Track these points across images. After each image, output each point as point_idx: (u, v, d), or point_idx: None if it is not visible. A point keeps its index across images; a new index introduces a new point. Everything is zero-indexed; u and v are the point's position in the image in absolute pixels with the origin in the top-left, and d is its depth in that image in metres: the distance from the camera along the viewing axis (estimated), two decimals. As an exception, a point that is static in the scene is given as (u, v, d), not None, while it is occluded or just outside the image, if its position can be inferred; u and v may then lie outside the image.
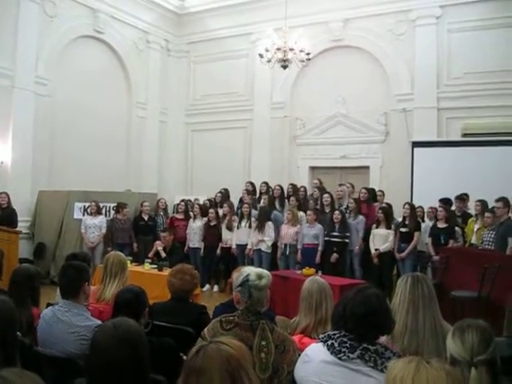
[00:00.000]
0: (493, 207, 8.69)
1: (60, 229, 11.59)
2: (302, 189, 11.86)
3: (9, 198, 10.40)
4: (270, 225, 10.72)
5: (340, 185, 11.75)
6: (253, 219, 10.99)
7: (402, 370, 1.84)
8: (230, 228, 11.35)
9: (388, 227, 10.02)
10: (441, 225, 9.64)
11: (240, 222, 11.21)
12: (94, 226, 11.37)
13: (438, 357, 2.18)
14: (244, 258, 11.06)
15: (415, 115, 12.42)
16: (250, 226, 11.00)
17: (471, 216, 9.98)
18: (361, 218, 10.43)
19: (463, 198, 10.34)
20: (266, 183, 12.23)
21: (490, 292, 7.35)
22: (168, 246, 10.01)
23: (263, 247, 10.73)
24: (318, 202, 11.08)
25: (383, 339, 2.90)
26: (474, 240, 9.38)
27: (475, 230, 9.38)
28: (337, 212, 10.25)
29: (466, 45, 11.93)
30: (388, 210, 10.20)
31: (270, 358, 2.94)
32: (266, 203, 11.33)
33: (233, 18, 14.55)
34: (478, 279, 7.48)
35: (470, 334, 2.32)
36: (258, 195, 12.20)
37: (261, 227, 10.68)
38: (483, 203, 9.33)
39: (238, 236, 11.21)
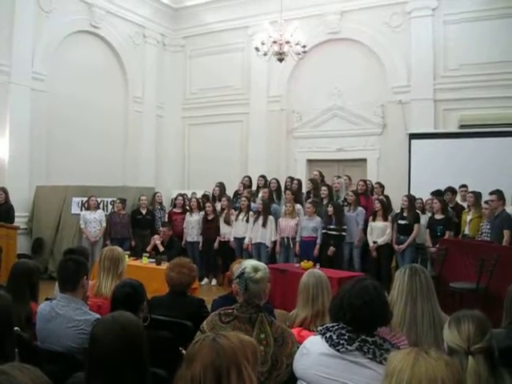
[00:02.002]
0: (487, 200, 8.72)
1: (58, 224, 11.60)
2: (296, 181, 11.74)
3: (6, 194, 10.35)
4: (271, 219, 10.68)
5: (337, 177, 11.72)
6: (251, 213, 10.97)
7: (401, 362, 1.84)
8: (228, 222, 11.31)
9: (385, 219, 10.01)
10: (438, 216, 9.65)
11: (238, 216, 11.18)
12: (95, 221, 11.35)
13: (436, 348, 2.19)
14: (242, 251, 11.02)
15: (412, 107, 12.42)
16: (247, 220, 10.99)
17: (463, 208, 10.01)
18: (360, 209, 10.35)
19: (455, 191, 10.35)
20: (264, 176, 12.21)
21: (488, 283, 7.36)
22: (166, 240, 10.01)
23: (266, 241, 10.70)
24: (311, 195, 11.05)
25: (385, 331, 2.89)
26: (467, 231, 9.42)
27: (468, 220, 9.41)
28: (329, 205, 10.23)
29: (462, 36, 11.91)
30: (385, 202, 10.19)
31: (269, 350, 2.95)
32: (265, 196, 11.20)
33: (228, 11, 14.51)
34: (476, 271, 7.49)
35: (466, 323, 2.34)
36: (255, 189, 12.16)
37: (265, 221, 10.65)
38: (476, 195, 9.36)
39: (235, 229, 11.18)
